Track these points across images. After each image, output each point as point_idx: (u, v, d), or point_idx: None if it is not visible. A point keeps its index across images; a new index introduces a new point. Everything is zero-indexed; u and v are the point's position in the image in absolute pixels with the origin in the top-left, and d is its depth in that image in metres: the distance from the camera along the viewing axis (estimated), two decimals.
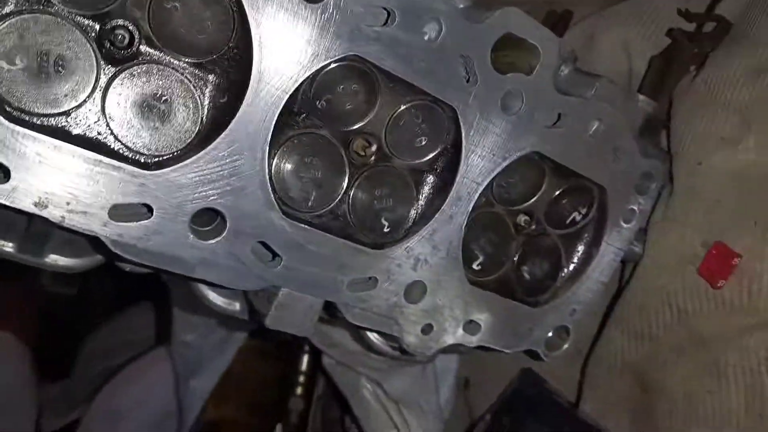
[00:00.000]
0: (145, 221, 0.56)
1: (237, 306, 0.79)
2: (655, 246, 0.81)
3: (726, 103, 0.74)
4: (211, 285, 0.67)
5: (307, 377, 1.53)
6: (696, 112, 0.78)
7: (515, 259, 0.80)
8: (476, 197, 0.70)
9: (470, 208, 0.70)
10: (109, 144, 0.54)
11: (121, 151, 0.55)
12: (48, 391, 2.31)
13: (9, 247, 0.65)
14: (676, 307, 0.78)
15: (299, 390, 1.53)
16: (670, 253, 0.79)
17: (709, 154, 0.75)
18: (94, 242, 0.56)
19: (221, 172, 0.57)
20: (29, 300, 2.63)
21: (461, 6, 0.63)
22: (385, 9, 0.58)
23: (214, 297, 0.79)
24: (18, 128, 0.49)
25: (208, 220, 0.60)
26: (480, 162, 0.68)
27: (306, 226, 0.63)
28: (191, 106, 0.56)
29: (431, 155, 0.69)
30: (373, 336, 0.92)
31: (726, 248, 0.72)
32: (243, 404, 1.78)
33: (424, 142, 0.68)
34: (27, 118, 0.51)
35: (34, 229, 0.63)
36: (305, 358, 1.54)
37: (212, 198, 0.57)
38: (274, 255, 0.63)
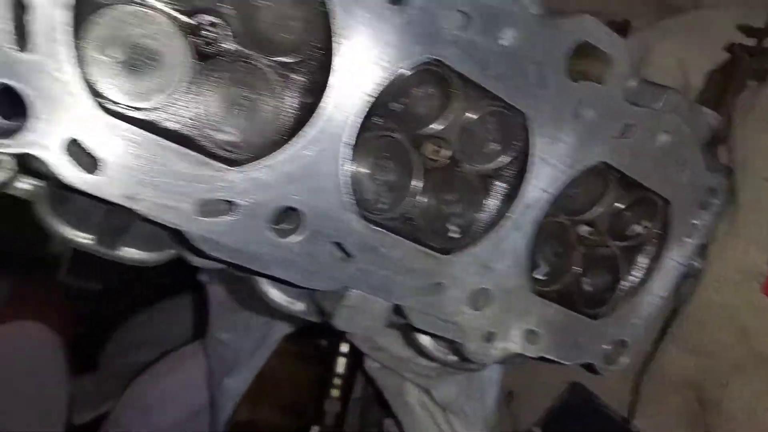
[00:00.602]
0: (228, 217, 0.57)
1: (299, 306, 0.80)
2: (717, 261, 0.80)
3: None
4: (280, 283, 0.68)
5: (343, 380, 1.53)
6: (762, 127, 0.77)
7: (577, 270, 0.80)
8: (545, 206, 0.70)
9: (538, 216, 0.70)
10: (197, 139, 0.55)
11: (208, 147, 0.56)
12: (77, 383, 2.35)
13: (86, 238, 0.67)
14: (738, 325, 0.77)
15: (335, 392, 1.53)
16: (732, 269, 0.78)
17: None
18: (177, 236, 0.58)
19: (303, 172, 0.58)
20: (59, 293, 2.68)
21: (536, 12, 0.63)
22: (463, 13, 0.59)
23: (276, 295, 0.79)
24: (112, 120, 0.50)
25: (285, 218, 0.61)
26: (549, 170, 0.69)
27: (380, 229, 0.63)
28: (275, 105, 0.58)
29: (501, 161, 0.69)
30: (425, 341, 0.92)
31: None
32: (276, 406, 1.79)
33: (494, 148, 0.68)
34: (120, 111, 0.52)
35: (113, 222, 0.64)
36: (342, 361, 1.54)
37: (293, 197, 0.58)
38: (347, 256, 0.64)
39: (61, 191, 0.66)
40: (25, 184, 0.66)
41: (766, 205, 0.75)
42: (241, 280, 0.81)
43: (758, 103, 0.80)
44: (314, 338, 1.72)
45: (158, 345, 2.26)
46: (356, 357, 1.57)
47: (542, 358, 0.80)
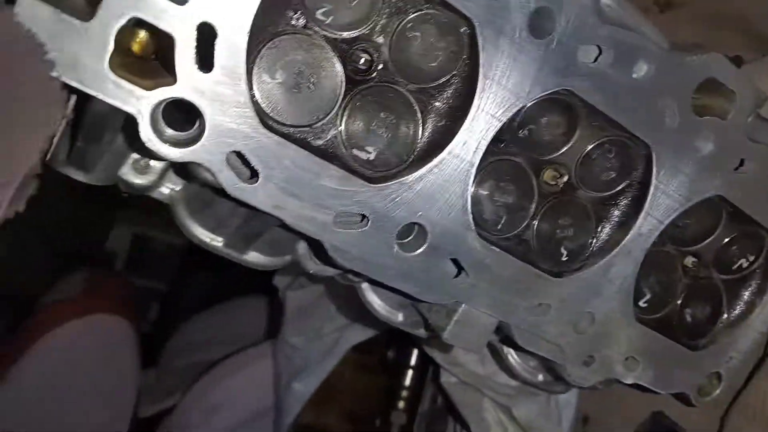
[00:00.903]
0: (361, 230, 0.60)
1: (399, 316, 0.83)
2: None
3: None
4: (397, 294, 0.72)
5: (410, 392, 1.56)
6: None
7: (679, 300, 0.80)
8: (656, 235, 0.71)
9: (649, 245, 0.71)
10: (341, 156, 0.59)
11: (350, 164, 0.60)
12: (143, 378, 2.43)
13: (218, 241, 0.72)
14: None
15: (402, 404, 1.56)
16: None
17: None
18: (315, 245, 0.62)
19: (432, 191, 0.61)
20: (129, 288, 2.79)
21: (667, 48, 0.65)
22: (598, 47, 0.61)
23: (379, 306, 0.83)
24: (272, 137, 0.54)
25: (408, 233, 0.64)
26: (665, 201, 0.70)
27: (495, 248, 0.66)
28: (413, 128, 0.61)
29: (616, 189, 0.71)
30: (513, 360, 0.94)
31: None
32: (341, 413, 1.82)
33: (612, 176, 0.70)
34: (279, 128, 0.56)
35: (248, 229, 0.69)
36: (410, 373, 1.57)
37: (420, 214, 0.61)
38: (459, 272, 0.67)
39: (199, 199, 0.72)
40: (166, 189, 0.72)
41: None
42: (341, 286, 0.86)
43: None
44: (381, 349, 1.75)
45: (221, 344, 2.33)
46: (424, 371, 1.60)
47: (636, 385, 0.80)
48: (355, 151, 0.60)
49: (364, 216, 0.60)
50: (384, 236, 0.61)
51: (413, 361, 1.58)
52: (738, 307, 0.83)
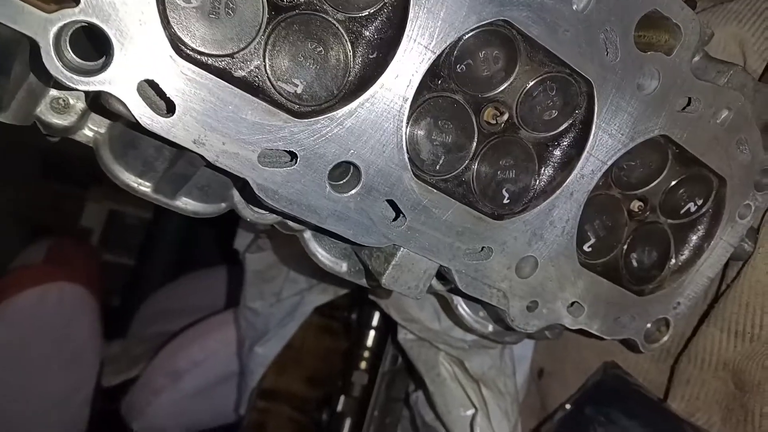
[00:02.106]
0: (289, 168, 0.57)
1: (343, 266, 0.81)
2: (767, 242, 0.79)
3: None
4: (332, 237, 0.69)
5: (372, 353, 1.55)
6: None
7: (625, 245, 0.79)
8: (599, 176, 0.70)
9: (591, 187, 0.70)
10: (266, 89, 0.56)
11: (275, 97, 0.56)
12: (108, 348, 2.41)
13: (146, 186, 0.69)
14: None
15: (364, 365, 1.55)
16: None
17: None
18: (245, 189, 0.59)
19: (364, 127, 0.58)
20: (94, 258, 2.74)
21: None
22: None
23: (323, 256, 0.81)
24: (188, 66, 0.51)
25: (342, 173, 0.62)
26: (608, 140, 0.68)
27: (433, 189, 0.64)
28: (343, 59, 0.58)
29: (559, 129, 0.69)
30: (463, 311, 0.93)
31: None
32: (304, 377, 1.82)
33: (554, 115, 0.68)
34: (196, 57, 0.53)
35: (175, 171, 0.66)
36: (371, 334, 1.56)
37: (352, 152, 0.59)
38: (398, 215, 0.65)
39: (123, 140, 0.68)
40: (89, 131, 0.68)
41: None
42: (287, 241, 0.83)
43: None
44: (343, 313, 1.74)
45: (187, 314, 2.31)
46: (385, 332, 1.59)
47: (582, 331, 0.80)
48: (281, 84, 0.56)
49: (292, 154, 0.57)
50: (314, 176, 0.58)
51: (375, 322, 1.57)
52: (685, 252, 0.82)
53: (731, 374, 0.84)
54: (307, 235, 0.80)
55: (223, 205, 0.73)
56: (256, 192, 0.57)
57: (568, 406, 0.98)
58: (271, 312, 1.74)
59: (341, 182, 0.62)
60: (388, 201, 0.63)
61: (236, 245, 1.82)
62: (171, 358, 2.16)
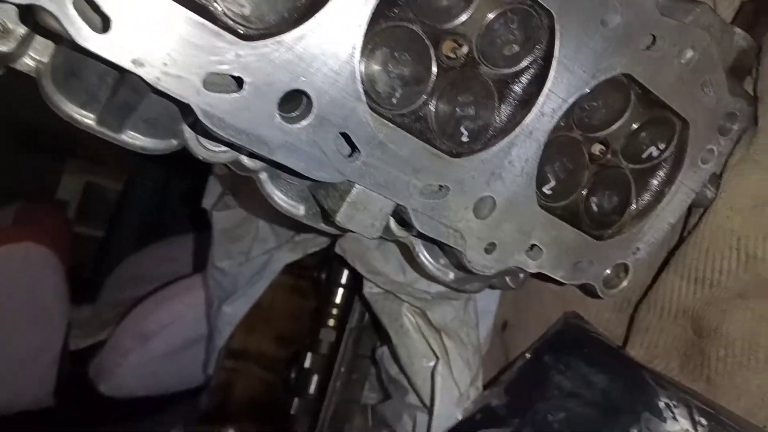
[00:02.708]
0: (236, 94, 0.55)
1: (301, 209, 0.79)
2: (730, 188, 0.79)
3: None
4: (283, 171, 0.67)
5: (340, 310, 1.54)
6: None
7: (585, 188, 0.78)
8: (560, 115, 0.68)
9: (552, 126, 0.69)
10: (211, 9, 0.53)
11: (222, 17, 0.54)
12: (77, 312, 2.38)
13: (90, 118, 0.66)
14: (745, 252, 0.77)
15: (332, 322, 1.54)
16: (746, 196, 0.77)
17: None
18: (191, 120, 0.56)
19: (315, 54, 0.56)
20: (62, 222, 2.69)
21: None
22: None
23: (279, 198, 0.78)
24: None
25: (293, 103, 0.59)
26: (570, 77, 0.66)
27: (389, 123, 0.62)
28: None
29: (520, 66, 0.67)
30: (423, 257, 0.92)
31: None
32: (273, 336, 1.81)
33: (515, 50, 0.66)
34: None
35: (118, 99, 0.63)
36: (340, 292, 1.55)
37: (303, 80, 0.56)
38: (353, 150, 0.63)
39: (65, 69, 0.64)
40: (30, 60, 0.65)
41: None
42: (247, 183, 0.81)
43: None
44: (313, 272, 1.73)
45: (158, 280, 2.29)
46: (354, 289, 1.58)
47: (541, 276, 0.79)
48: (228, 4, 0.54)
49: (239, 80, 0.55)
50: (263, 104, 0.56)
51: (344, 280, 1.56)
52: (646, 197, 0.82)
53: (690, 321, 0.85)
54: (263, 176, 0.78)
55: (174, 141, 0.71)
56: (201, 119, 0.55)
57: (527, 355, 0.98)
58: (239, 271, 1.71)
59: (292, 113, 0.59)
60: (342, 134, 0.61)
61: (204, 204, 1.79)
62: (140, 321, 2.14)
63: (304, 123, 0.58)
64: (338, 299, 1.57)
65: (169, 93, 0.53)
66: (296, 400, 1.51)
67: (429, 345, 1.06)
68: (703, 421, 0.74)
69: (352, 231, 0.68)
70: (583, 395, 0.85)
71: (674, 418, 0.76)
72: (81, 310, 2.44)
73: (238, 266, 1.71)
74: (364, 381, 1.55)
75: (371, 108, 0.61)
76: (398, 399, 1.26)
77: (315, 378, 1.52)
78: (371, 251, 1.18)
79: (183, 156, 0.70)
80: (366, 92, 0.61)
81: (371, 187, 0.65)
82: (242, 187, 1.61)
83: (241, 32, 0.55)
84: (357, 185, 0.64)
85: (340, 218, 0.65)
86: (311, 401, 1.51)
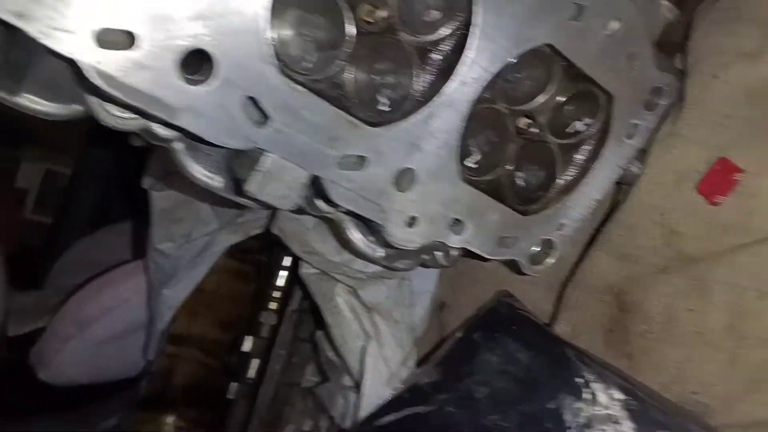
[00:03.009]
0: (130, 52, 0.51)
1: (218, 181, 0.76)
2: (655, 163, 0.79)
3: (750, 17, 0.71)
4: (190, 139, 0.64)
5: (282, 293, 1.52)
6: (718, 26, 0.75)
7: (510, 163, 0.77)
8: (482, 85, 0.67)
9: (474, 97, 0.67)
10: None
11: None
12: (17, 299, 2.29)
13: None
14: (668, 227, 0.77)
15: (273, 305, 1.51)
16: (669, 171, 0.77)
17: (726, 67, 0.72)
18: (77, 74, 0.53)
19: (215, 9, 0.52)
20: (9, 212, 2.59)
21: None
22: None
23: (196, 170, 0.75)
24: None
25: (197, 64, 0.56)
26: (491, 46, 0.65)
27: (302, 88, 0.59)
28: None
29: (441, 33, 0.65)
30: (355, 236, 0.90)
31: (729, 163, 0.70)
32: (215, 320, 1.77)
33: (435, 17, 0.64)
34: None
35: (8, 59, 0.58)
36: (282, 274, 1.52)
37: (204, 38, 0.53)
38: (266, 117, 0.60)
39: None
40: None
41: (711, 103, 0.74)
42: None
43: (719, 5, 0.77)
44: (256, 255, 1.69)
45: (104, 265, 2.21)
46: (296, 272, 1.56)
47: (466, 252, 0.78)
48: None
49: (132, 36, 0.51)
50: (162, 63, 0.53)
51: (286, 262, 1.54)
52: (571, 172, 0.81)
53: (615, 297, 0.85)
54: (179, 146, 0.74)
55: (78, 107, 0.67)
56: (90, 78, 0.51)
57: (458, 334, 0.98)
58: (180, 254, 1.66)
59: (197, 74, 0.56)
60: (250, 98, 0.58)
61: (144, 184, 1.73)
62: (80, 306, 2.06)
63: (208, 85, 0.55)
64: (280, 282, 1.54)
65: (54, 50, 0.49)
66: (234, 385, 1.48)
67: (361, 325, 1.04)
68: (621, 396, 0.75)
69: (266, 203, 0.65)
70: (508, 371, 0.85)
71: (592, 393, 0.76)
72: (25, 296, 2.35)
73: (178, 248, 1.66)
74: (305, 365, 1.53)
75: (283, 72, 0.58)
76: (334, 381, 1.24)
77: (255, 362, 1.49)
78: (309, 231, 1.15)
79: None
80: (277, 55, 0.58)
81: (284, 155, 0.62)
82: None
83: None
84: (269, 153, 0.62)
85: (249, 187, 0.63)
86: (250, 386, 1.48)
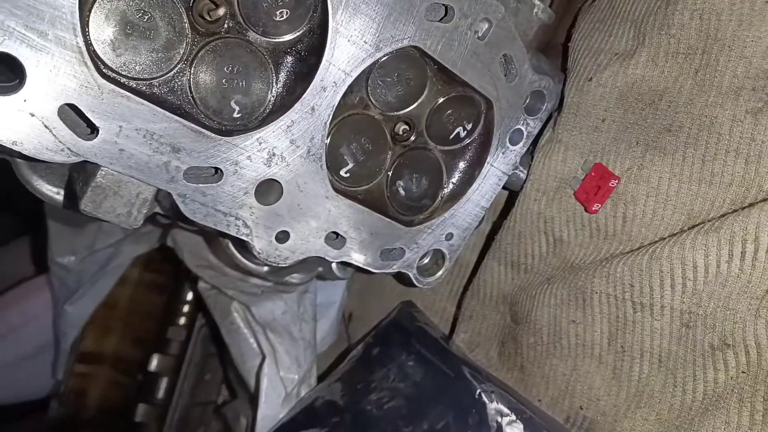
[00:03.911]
0: None
1: (61, 196, 0.69)
2: (537, 169, 0.76)
3: (624, 17, 0.69)
4: (21, 156, 0.57)
5: (191, 307, 1.44)
6: (594, 27, 0.72)
7: (390, 171, 0.73)
8: (343, 89, 0.62)
9: (336, 102, 0.62)
10: None
11: None
12: None
13: None
14: (552, 235, 0.74)
15: (182, 320, 1.44)
16: (551, 177, 0.74)
17: (600, 69, 0.70)
18: None
19: (16, 10, 0.46)
20: None
21: None
22: None
23: (38, 183, 0.68)
24: None
25: (9, 76, 0.50)
26: (350, 48, 0.60)
27: (129, 93, 0.53)
28: None
29: (294, 34, 0.60)
30: (234, 251, 0.85)
31: (605, 170, 0.67)
32: (128, 337, 1.67)
33: (285, 16, 0.59)
34: None
35: None
36: (189, 287, 1.44)
37: (6, 41, 0.47)
38: (93, 128, 0.54)
39: None
40: None
41: (586, 107, 0.71)
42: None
43: (597, 3, 0.75)
44: (166, 266, 1.61)
45: (8, 281, 2.08)
46: None
47: (347, 264, 0.74)
48: None
49: None
50: None
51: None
52: (456, 180, 0.78)
53: (509, 307, 0.82)
54: (19, 159, 0.67)
55: None
56: None
57: (359, 347, 0.93)
58: (83, 267, 1.57)
59: (5, 83, 0.50)
60: (70, 106, 0.52)
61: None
62: None
63: (17, 94, 0.49)
64: (188, 295, 1.46)
65: None
66: (141, 406, 1.40)
67: (258, 342, 0.98)
68: (509, 414, 0.71)
69: (104, 220, 0.59)
70: (402, 389, 0.81)
71: (481, 411, 0.72)
72: None
73: (80, 261, 1.56)
74: (220, 382, 1.46)
75: (105, 76, 0.52)
76: (240, 399, 1.19)
77: (164, 381, 1.41)
78: (202, 243, 1.09)
79: None
80: (97, 56, 0.52)
81: (121, 169, 0.56)
82: None
83: None
84: (103, 167, 0.55)
85: (84, 206, 0.56)
86: (159, 407, 1.40)
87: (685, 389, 0.63)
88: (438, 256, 0.81)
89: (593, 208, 0.68)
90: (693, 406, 0.63)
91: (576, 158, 0.72)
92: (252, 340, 0.99)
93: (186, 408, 1.40)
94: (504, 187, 0.80)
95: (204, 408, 1.45)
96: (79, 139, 0.53)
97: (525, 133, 0.77)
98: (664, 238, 0.63)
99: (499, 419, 0.72)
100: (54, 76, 0.49)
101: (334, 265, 0.88)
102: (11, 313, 1.93)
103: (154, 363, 1.42)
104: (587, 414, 0.69)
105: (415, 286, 0.80)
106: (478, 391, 0.75)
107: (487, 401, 0.73)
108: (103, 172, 0.56)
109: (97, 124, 0.53)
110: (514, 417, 0.71)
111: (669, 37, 0.64)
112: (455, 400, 0.75)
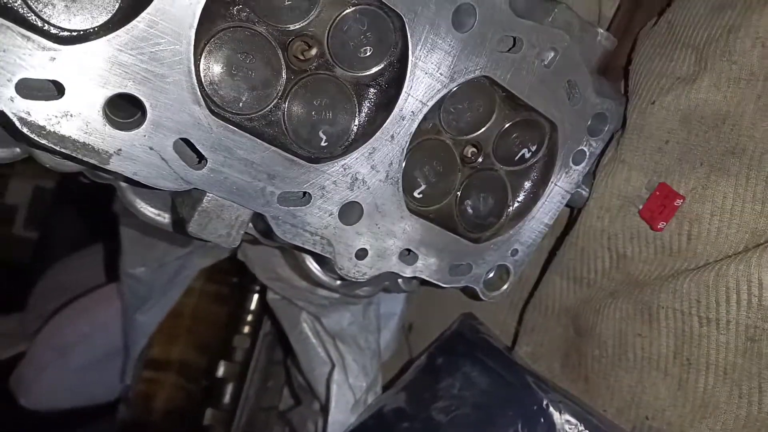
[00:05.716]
0: (56, 101, 0.51)
1: (166, 218, 0.76)
2: (600, 188, 0.79)
3: (685, 42, 0.72)
4: (135, 185, 0.64)
5: (255, 316, 1.51)
6: (655, 51, 0.75)
7: (459, 191, 0.78)
8: (420, 117, 0.67)
9: (413, 129, 0.67)
10: (18, 10, 0.50)
11: (31, 19, 0.50)
12: (2, 322, 2.27)
13: None
14: (615, 251, 0.77)
15: (246, 329, 1.51)
16: (614, 196, 0.77)
17: (663, 93, 0.73)
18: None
19: (141, 56, 0.53)
20: None
21: None
22: None
23: (142, 206, 0.75)
24: None
25: (125, 108, 0.56)
26: (427, 80, 0.65)
27: (234, 128, 0.59)
28: None
29: (376, 68, 0.66)
30: (313, 266, 0.90)
31: (669, 190, 0.70)
32: (193, 345, 1.76)
33: (369, 53, 0.64)
34: None
35: None
36: (254, 297, 1.52)
37: (130, 83, 0.53)
38: (201, 158, 0.60)
39: None
40: None
41: (649, 129, 0.74)
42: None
43: (656, 29, 0.78)
44: (231, 278, 1.68)
45: (79, 289, 2.20)
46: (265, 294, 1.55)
47: (419, 279, 0.78)
48: (39, 5, 0.50)
49: (58, 85, 0.51)
50: (88, 111, 0.53)
51: (258, 285, 1.53)
52: (521, 198, 0.82)
53: (571, 320, 0.85)
54: (124, 184, 0.74)
55: (18, 150, 0.67)
56: (18, 126, 0.51)
57: (423, 358, 0.97)
58: (153, 278, 1.66)
59: (128, 121, 0.56)
60: (183, 140, 0.58)
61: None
62: (58, 332, 2.05)
63: (138, 129, 0.55)
64: (252, 305, 1.53)
65: None
66: (209, 411, 1.47)
67: (327, 351, 1.04)
68: (576, 423, 0.75)
69: (207, 241, 0.65)
70: (469, 397, 0.85)
71: (549, 420, 0.76)
72: (8, 319, 2.34)
73: (151, 273, 1.65)
74: (282, 388, 1.52)
75: (213, 113, 0.58)
76: (305, 405, 1.24)
77: (230, 387, 1.49)
78: (276, 257, 1.15)
79: None
80: (207, 96, 0.59)
81: (223, 195, 0.62)
82: None
83: (58, 34, 0.51)
84: (209, 193, 0.62)
85: (192, 228, 0.62)
86: (225, 412, 1.47)
87: (751, 400, 0.66)
88: (503, 271, 0.85)
89: (658, 226, 0.71)
90: (759, 417, 0.65)
91: (640, 178, 0.75)
92: (320, 349, 1.04)
93: (251, 413, 1.47)
94: (566, 205, 0.83)
95: (268, 413, 1.51)
96: (190, 169, 0.59)
97: (588, 154, 0.80)
98: (729, 256, 0.65)
99: (568, 428, 0.75)
100: (171, 114, 0.56)
101: (400, 279, 0.93)
102: (82, 321, 2.04)
103: (221, 370, 1.49)
104: (653, 424, 0.72)
105: (480, 299, 0.84)
106: (545, 401, 0.78)
107: (554, 411, 0.76)
108: (208, 198, 0.62)
109: (206, 155, 0.59)
110: (582, 427, 0.74)
111: (731, 63, 0.67)
112: (523, 409, 0.79)
